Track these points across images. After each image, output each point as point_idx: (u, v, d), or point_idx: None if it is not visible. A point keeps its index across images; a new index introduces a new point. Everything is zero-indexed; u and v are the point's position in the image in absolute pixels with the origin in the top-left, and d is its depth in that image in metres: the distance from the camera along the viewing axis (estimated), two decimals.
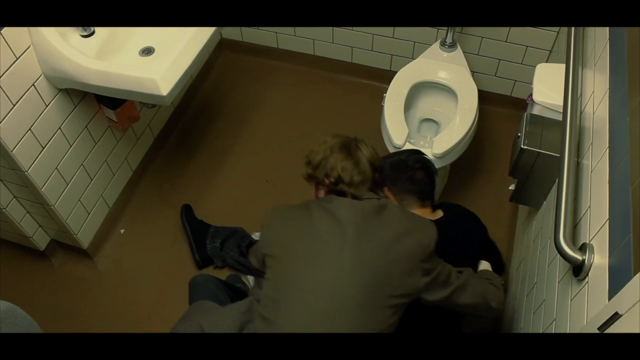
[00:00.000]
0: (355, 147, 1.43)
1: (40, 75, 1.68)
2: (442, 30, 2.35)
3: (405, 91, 2.14)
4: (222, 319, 1.50)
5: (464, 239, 1.65)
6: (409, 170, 1.66)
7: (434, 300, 1.37)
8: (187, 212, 2.29)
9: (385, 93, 2.15)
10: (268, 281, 1.38)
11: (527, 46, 2.31)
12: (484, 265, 1.63)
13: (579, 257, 1.13)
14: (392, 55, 2.60)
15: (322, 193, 1.46)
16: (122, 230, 2.31)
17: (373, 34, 2.52)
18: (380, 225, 1.33)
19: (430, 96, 2.26)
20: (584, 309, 1.09)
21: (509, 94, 2.56)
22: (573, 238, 1.24)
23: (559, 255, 1.21)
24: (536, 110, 1.69)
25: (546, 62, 2.29)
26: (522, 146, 1.55)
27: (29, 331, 1.37)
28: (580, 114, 1.46)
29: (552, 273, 1.43)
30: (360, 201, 1.37)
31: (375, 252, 1.30)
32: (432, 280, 1.34)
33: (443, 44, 2.31)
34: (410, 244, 1.31)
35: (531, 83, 1.74)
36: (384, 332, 1.31)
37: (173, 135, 2.60)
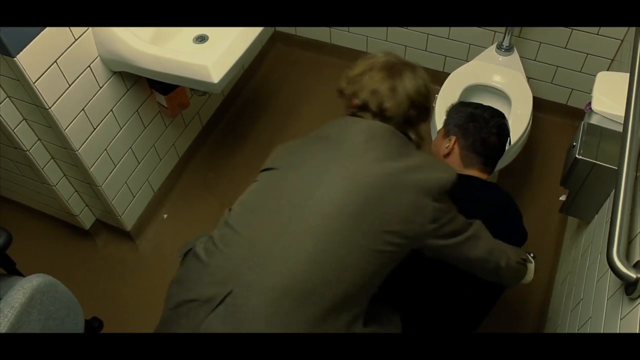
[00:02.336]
0: (399, 71, 1.24)
1: (97, 58, 1.71)
2: (500, 33, 2.29)
3: (458, 93, 2.10)
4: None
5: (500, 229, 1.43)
6: (486, 131, 1.51)
7: (438, 246, 1.21)
8: None
9: (437, 94, 2.11)
10: (250, 188, 1.27)
11: (587, 54, 2.22)
12: None
13: (633, 274, 1.08)
14: (446, 56, 2.55)
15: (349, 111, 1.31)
16: (165, 215, 2.34)
17: (428, 34, 2.48)
18: (388, 150, 1.18)
19: (483, 100, 2.19)
20: (636, 330, 1.04)
21: (565, 103, 2.48)
22: (627, 255, 1.18)
23: (610, 271, 1.16)
24: (594, 120, 1.63)
25: (607, 71, 2.20)
26: (576, 156, 1.50)
27: (68, 305, 1.40)
28: None
29: (600, 290, 1.37)
30: (371, 121, 1.22)
31: (372, 175, 1.14)
32: (441, 226, 1.19)
33: (499, 47, 2.25)
34: (423, 178, 1.16)
35: (590, 92, 1.68)
36: (357, 278, 1.13)
37: (221, 124, 2.62)
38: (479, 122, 1.52)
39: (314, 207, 1.13)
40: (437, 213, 1.17)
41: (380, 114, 1.23)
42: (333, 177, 1.14)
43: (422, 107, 1.27)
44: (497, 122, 1.55)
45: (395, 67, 1.24)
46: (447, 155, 1.55)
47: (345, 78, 1.29)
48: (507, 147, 1.58)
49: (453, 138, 1.53)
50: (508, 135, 1.58)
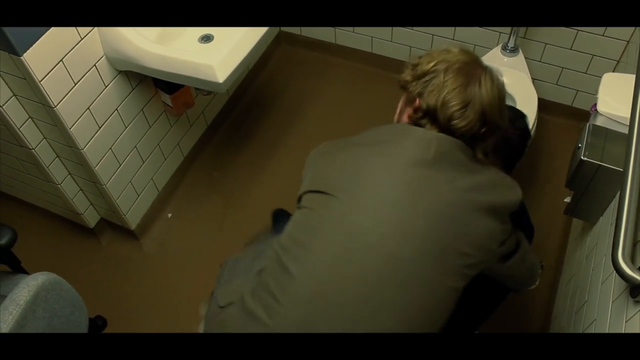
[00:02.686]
0: (477, 79, 1.07)
1: (102, 57, 1.72)
2: (505, 34, 2.29)
3: None
4: (232, 287, 1.22)
5: None
6: (510, 132, 1.41)
7: (494, 269, 1.15)
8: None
9: None
10: (294, 221, 1.11)
11: (593, 55, 2.22)
12: None
13: (638, 277, 1.07)
14: None
15: (405, 117, 1.15)
16: (170, 215, 2.35)
17: (433, 35, 2.48)
18: (459, 168, 1.05)
19: None
20: None
21: (570, 104, 2.47)
22: (632, 257, 1.18)
23: (615, 273, 1.15)
24: (599, 122, 1.62)
25: (613, 72, 2.20)
26: (582, 157, 1.49)
27: (73, 302, 1.41)
28: None
29: (605, 292, 1.36)
30: (438, 134, 1.07)
31: (449, 203, 1.02)
32: (505, 249, 1.13)
33: (505, 48, 2.25)
34: (493, 199, 1.06)
35: (595, 93, 1.67)
36: (439, 325, 1.04)
37: (226, 124, 2.62)
38: None
39: (386, 246, 1.00)
40: (504, 235, 1.11)
41: (447, 129, 1.08)
42: (404, 210, 1.02)
43: (494, 123, 1.10)
44: (521, 123, 1.50)
45: (474, 75, 1.07)
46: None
47: (412, 71, 1.13)
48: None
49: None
50: (530, 137, 1.53)
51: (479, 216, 1.04)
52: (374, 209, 1.03)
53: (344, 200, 1.05)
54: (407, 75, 1.14)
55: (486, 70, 1.10)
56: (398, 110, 1.19)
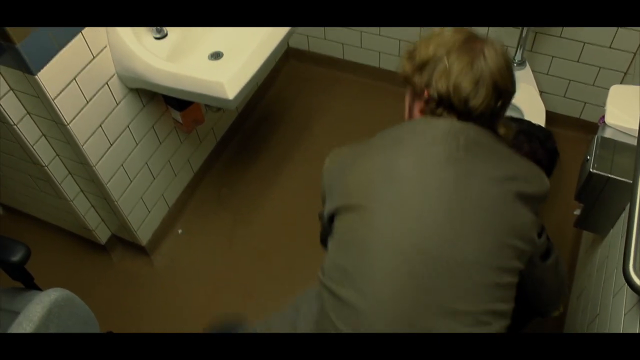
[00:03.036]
0: (480, 52, 1.03)
1: (114, 75, 1.74)
2: (512, 48, 2.30)
3: None
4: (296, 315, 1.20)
5: None
6: (541, 153, 1.37)
7: (534, 269, 1.12)
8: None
9: None
10: (336, 247, 1.05)
11: (600, 67, 2.22)
12: None
13: None
14: None
15: (416, 112, 1.10)
16: (180, 231, 2.36)
17: None
18: (491, 159, 1.03)
19: None
20: None
21: (578, 116, 2.48)
22: None
23: (626, 286, 1.15)
24: (608, 134, 1.62)
25: (620, 84, 2.20)
26: (590, 170, 1.49)
27: (85, 319, 1.42)
28: None
29: (617, 305, 1.36)
30: (462, 123, 1.03)
31: (491, 197, 0.99)
32: (542, 243, 1.11)
33: (512, 61, 2.26)
34: (530, 189, 1.04)
35: (603, 105, 1.68)
36: (505, 295, 1.02)
37: (235, 140, 2.64)
38: (535, 143, 1.39)
39: (444, 253, 0.97)
40: (539, 226, 1.10)
41: (465, 112, 1.04)
42: (450, 212, 0.98)
43: (508, 93, 1.07)
44: (551, 144, 1.45)
45: (475, 49, 1.03)
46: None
47: (410, 61, 1.08)
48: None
49: None
50: (558, 156, 1.47)
51: (519, 206, 1.02)
52: (419, 216, 0.98)
53: (386, 211, 1.00)
54: (406, 67, 1.09)
55: (486, 41, 1.06)
56: (407, 107, 1.15)
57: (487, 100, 1.02)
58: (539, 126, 1.47)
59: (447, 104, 1.03)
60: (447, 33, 1.07)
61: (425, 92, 1.05)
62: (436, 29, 1.09)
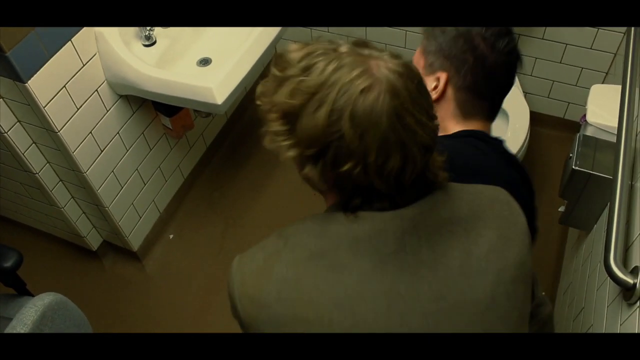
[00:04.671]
0: (379, 93, 0.69)
1: (104, 82, 1.76)
2: None
3: None
4: None
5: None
6: (491, 61, 1.03)
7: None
8: None
9: None
10: None
11: (582, 68, 2.27)
12: None
13: (630, 280, 1.10)
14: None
15: (330, 197, 0.82)
16: (171, 236, 2.38)
17: None
18: (452, 236, 0.77)
19: None
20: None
21: (562, 116, 2.52)
22: (624, 261, 1.21)
23: (609, 278, 1.18)
24: (589, 132, 1.67)
25: (602, 83, 2.25)
26: (573, 167, 1.53)
27: (79, 323, 1.43)
28: (636, 136, 1.43)
29: (601, 297, 1.39)
30: (411, 209, 0.76)
31: (477, 296, 0.77)
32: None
33: None
34: (517, 251, 0.81)
35: (585, 105, 1.72)
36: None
37: (225, 145, 2.66)
38: (480, 50, 1.03)
39: None
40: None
41: (397, 188, 0.76)
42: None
43: (433, 130, 0.77)
44: (505, 44, 1.06)
45: (373, 89, 0.70)
46: (436, 101, 1.09)
47: (298, 146, 0.75)
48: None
49: (443, 76, 1.07)
50: (519, 59, 1.11)
51: (514, 284, 0.80)
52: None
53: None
54: (278, 140, 0.77)
55: (380, 79, 0.70)
56: (317, 189, 0.83)
57: (414, 157, 0.73)
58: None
59: (370, 190, 0.75)
60: (328, 79, 0.70)
61: (330, 175, 0.74)
62: (286, 59, 0.76)
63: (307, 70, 0.72)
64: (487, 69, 1.05)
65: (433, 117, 0.76)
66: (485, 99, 1.09)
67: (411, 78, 0.73)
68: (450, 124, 1.11)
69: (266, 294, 0.75)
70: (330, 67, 0.71)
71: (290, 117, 0.74)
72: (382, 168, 0.71)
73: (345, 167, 0.71)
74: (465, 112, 1.10)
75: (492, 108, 1.12)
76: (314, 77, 0.71)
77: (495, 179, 0.95)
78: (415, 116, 0.71)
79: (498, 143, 1.13)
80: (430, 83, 1.08)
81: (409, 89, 0.71)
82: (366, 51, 0.74)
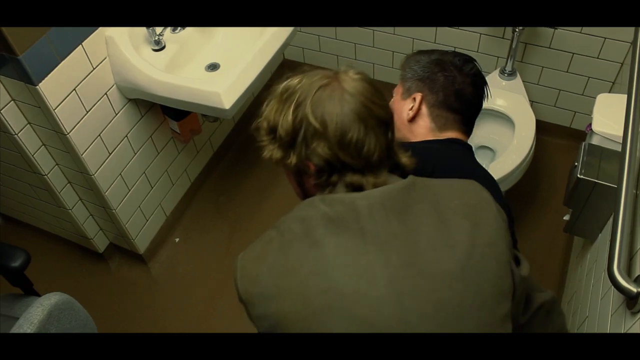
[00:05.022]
0: (339, 90, 0.87)
1: (113, 85, 1.78)
2: (502, 59, 2.35)
3: None
4: None
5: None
6: (459, 81, 1.21)
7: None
8: None
9: None
10: None
11: (589, 77, 2.27)
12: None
13: (633, 289, 1.10)
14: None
15: (310, 187, 0.95)
16: (177, 239, 2.39)
17: None
18: (428, 219, 0.86)
19: (487, 123, 2.25)
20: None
21: (569, 125, 2.52)
22: (628, 270, 1.21)
23: (613, 287, 1.18)
24: (595, 141, 1.67)
25: (609, 93, 2.25)
26: (578, 175, 1.53)
27: (85, 323, 1.44)
28: None
29: (604, 306, 1.39)
30: (379, 190, 0.86)
31: (450, 274, 0.83)
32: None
33: (502, 72, 2.30)
34: (487, 232, 0.88)
35: (591, 114, 1.72)
36: None
37: (232, 150, 2.68)
38: (449, 72, 1.22)
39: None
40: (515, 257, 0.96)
41: (366, 164, 0.89)
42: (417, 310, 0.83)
43: (389, 116, 0.92)
44: (471, 68, 1.25)
45: (334, 88, 0.87)
46: (413, 119, 1.25)
47: (275, 141, 0.94)
48: (485, 101, 1.30)
49: (418, 96, 1.23)
50: (485, 84, 1.28)
51: (484, 260, 0.86)
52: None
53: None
54: (274, 152, 0.93)
55: (337, 75, 0.89)
56: (295, 185, 1.02)
57: (378, 140, 0.87)
58: (454, 51, 1.28)
59: (342, 166, 0.87)
60: (294, 86, 0.90)
61: (310, 165, 0.89)
62: (275, 87, 0.94)
63: (287, 91, 0.91)
64: (456, 87, 1.23)
65: (385, 100, 0.91)
66: (457, 112, 1.24)
67: (364, 80, 0.89)
68: (428, 137, 1.26)
69: (260, 272, 0.87)
70: (296, 80, 0.91)
71: (271, 127, 0.93)
72: (343, 140, 0.85)
73: (314, 145, 0.86)
74: (440, 125, 1.24)
75: (465, 122, 1.26)
76: (287, 92, 0.91)
77: (472, 173, 1.13)
78: (368, 97, 0.87)
79: (470, 147, 1.27)
80: (407, 105, 1.25)
81: (362, 84, 0.88)
82: (330, 71, 0.91)
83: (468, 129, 1.28)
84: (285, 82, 0.93)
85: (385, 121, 0.89)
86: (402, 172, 0.95)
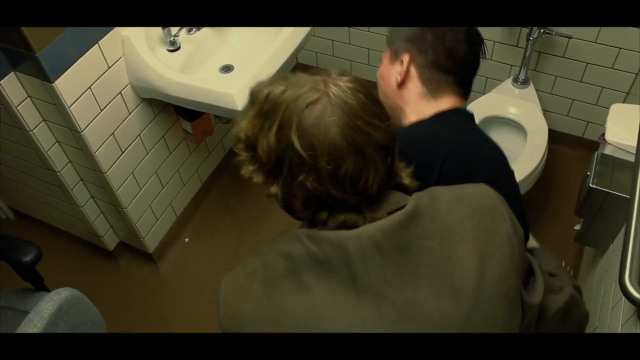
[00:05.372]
0: (326, 104, 0.73)
1: (127, 85, 1.80)
2: (515, 67, 2.35)
3: None
4: None
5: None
6: (450, 38, 1.07)
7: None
8: None
9: None
10: None
11: (602, 87, 2.26)
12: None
13: None
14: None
15: (298, 207, 0.80)
16: (187, 239, 2.40)
17: None
18: (445, 262, 0.76)
19: (500, 131, 2.25)
20: None
21: (581, 135, 2.51)
22: None
23: (623, 298, 1.17)
24: (608, 150, 1.66)
25: (622, 103, 2.24)
26: (590, 185, 1.53)
27: (93, 319, 1.45)
28: None
29: (615, 317, 1.38)
30: (373, 227, 0.74)
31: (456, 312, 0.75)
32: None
33: (516, 80, 2.30)
34: (498, 263, 0.78)
35: (605, 124, 1.72)
36: None
37: None
38: (440, 29, 1.09)
39: None
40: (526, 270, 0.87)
41: (364, 202, 0.78)
42: None
43: (391, 140, 0.79)
44: (474, 37, 1.12)
45: (320, 101, 0.73)
46: (403, 83, 1.12)
47: (254, 161, 0.80)
48: (482, 59, 1.15)
49: (406, 57, 1.10)
50: (481, 40, 1.13)
51: (492, 303, 0.77)
52: None
53: None
54: (249, 169, 0.80)
55: (329, 91, 0.74)
56: (285, 211, 0.85)
57: (377, 167, 0.75)
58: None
59: (332, 202, 0.75)
60: (277, 98, 0.75)
61: (298, 196, 0.78)
62: (256, 89, 0.79)
63: (259, 97, 0.77)
64: (447, 45, 1.08)
65: (385, 120, 0.77)
66: (449, 73, 1.09)
67: (359, 90, 0.75)
68: (421, 105, 1.11)
69: (242, 313, 0.79)
70: (280, 90, 0.75)
71: (249, 145, 0.79)
72: (335, 174, 0.72)
73: (301, 178, 0.73)
74: (432, 89, 1.10)
75: (460, 83, 1.11)
76: (265, 102, 0.76)
77: (481, 151, 1.03)
78: (365, 119, 0.73)
79: (470, 114, 1.13)
80: (396, 69, 1.12)
81: (358, 98, 0.74)
82: (316, 75, 0.77)
83: (465, 91, 1.13)
84: (268, 89, 0.76)
85: (385, 146, 0.75)
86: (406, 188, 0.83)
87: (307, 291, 0.74)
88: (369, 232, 0.73)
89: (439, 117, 1.08)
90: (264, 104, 0.75)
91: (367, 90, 0.76)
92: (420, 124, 1.08)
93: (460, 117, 1.10)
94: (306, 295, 0.74)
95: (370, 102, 0.75)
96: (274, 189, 0.78)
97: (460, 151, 1.02)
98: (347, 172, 0.72)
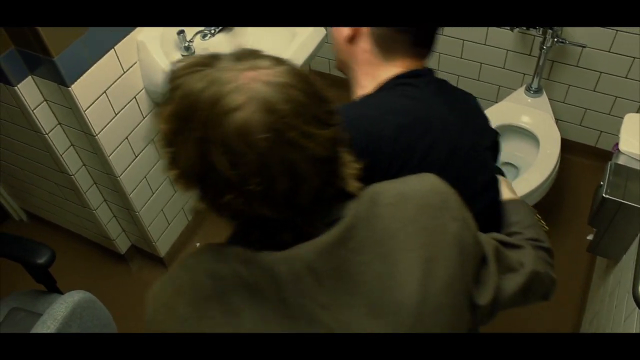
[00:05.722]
0: (254, 94, 0.62)
1: (142, 89, 1.81)
2: (528, 76, 2.34)
3: None
4: None
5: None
6: None
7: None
8: None
9: None
10: None
11: (616, 97, 2.26)
12: (505, 185, 1.01)
13: None
14: (475, 97, 2.60)
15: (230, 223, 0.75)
16: (198, 244, 2.41)
17: (458, 75, 2.55)
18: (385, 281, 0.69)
19: (512, 140, 2.24)
20: None
21: (594, 145, 2.50)
22: None
23: (637, 309, 1.17)
24: (621, 160, 1.66)
25: (636, 113, 2.23)
26: (604, 195, 1.52)
27: (105, 322, 1.46)
28: None
29: (628, 328, 1.37)
30: (305, 247, 0.67)
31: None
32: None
33: (528, 89, 2.30)
34: (444, 269, 0.71)
35: (618, 134, 1.71)
36: None
37: None
38: None
39: None
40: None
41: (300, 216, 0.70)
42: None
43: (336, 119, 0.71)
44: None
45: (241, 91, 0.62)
46: (353, 39, 0.98)
47: (173, 165, 0.68)
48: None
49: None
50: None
51: (438, 314, 0.71)
52: None
53: None
54: (171, 172, 0.70)
55: (256, 91, 0.62)
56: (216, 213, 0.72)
57: (313, 182, 0.66)
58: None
59: (261, 223, 0.69)
60: (196, 98, 0.63)
61: (223, 202, 0.65)
62: (174, 71, 0.69)
63: (177, 89, 0.65)
64: None
65: (327, 123, 0.67)
66: (405, 30, 0.94)
67: (295, 85, 0.64)
68: (373, 67, 0.99)
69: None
70: (199, 86, 0.63)
71: (168, 144, 0.68)
72: (266, 194, 0.63)
73: (226, 199, 0.64)
74: (385, 49, 0.96)
75: (416, 42, 0.96)
76: (182, 99, 0.64)
77: (439, 121, 0.91)
78: (299, 129, 0.62)
79: (429, 74, 0.99)
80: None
81: (291, 99, 0.63)
82: (245, 64, 0.66)
83: (424, 50, 0.98)
84: (186, 81, 0.65)
85: (323, 159, 0.65)
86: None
87: (237, 315, 0.68)
88: (301, 254, 0.67)
89: (390, 87, 0.96)
90: (181, 102, 0.64)
91: (305, 84, 0.66)
92: (367, 100, 0.96)
93: (417, 82, 0.96)
94: (236, 319, 0.68)
95: (308, 100, 0.64)
96: (200, 205, 0.70)
97: (413, 127, 0.89)
98: (279, 191, 0.63)
